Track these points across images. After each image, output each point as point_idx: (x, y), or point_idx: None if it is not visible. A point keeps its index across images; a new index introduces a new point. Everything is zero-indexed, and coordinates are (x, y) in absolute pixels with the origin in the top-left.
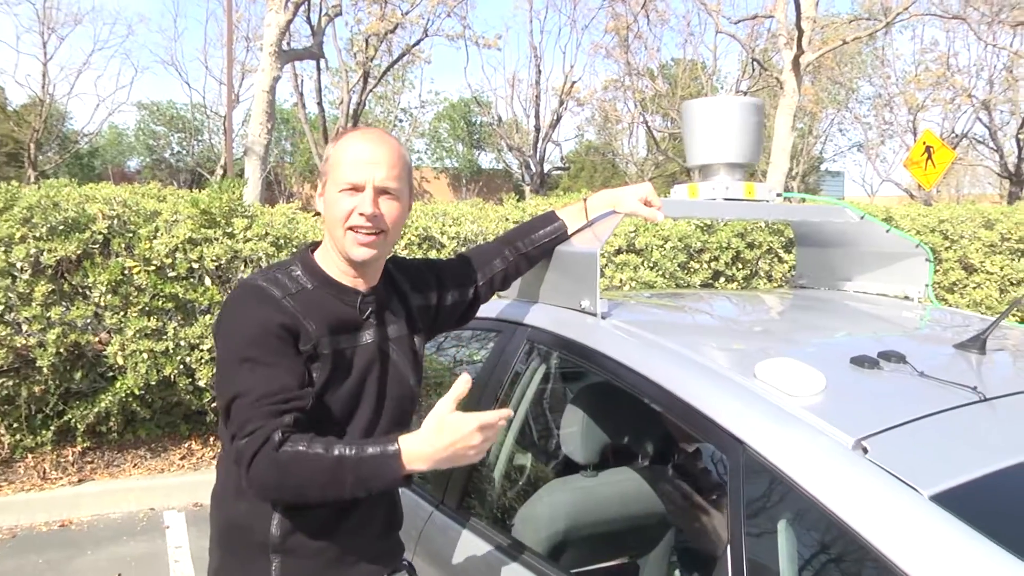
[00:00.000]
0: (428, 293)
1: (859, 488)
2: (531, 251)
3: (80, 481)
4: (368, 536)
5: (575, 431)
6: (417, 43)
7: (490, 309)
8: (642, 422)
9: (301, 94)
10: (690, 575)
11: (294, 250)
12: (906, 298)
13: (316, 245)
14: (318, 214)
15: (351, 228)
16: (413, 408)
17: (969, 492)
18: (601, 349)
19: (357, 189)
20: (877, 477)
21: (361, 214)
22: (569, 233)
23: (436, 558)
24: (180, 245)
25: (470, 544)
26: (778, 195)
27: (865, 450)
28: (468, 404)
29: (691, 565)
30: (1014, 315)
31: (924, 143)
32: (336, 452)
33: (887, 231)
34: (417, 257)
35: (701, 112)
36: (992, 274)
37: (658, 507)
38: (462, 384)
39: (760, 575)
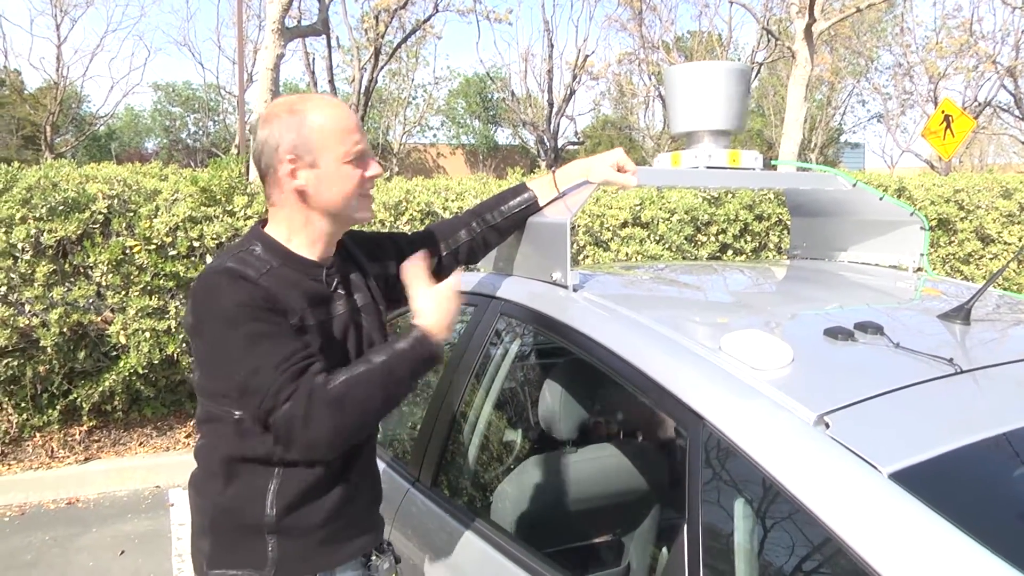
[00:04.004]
0: (386, 262)
1: (817, 465)
2: (500, 222)
3: (87, 459)
4: (356, 511)
5: (554, 407)
6: (428, 19)
7: (464, 282)
8: (620, 397)
9: (313, 72)
10: (663, 553)
11: None
12: (901, 268)
13: (265, 222)
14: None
15: (364, 194)
16: None
17: (930, 469)
18: (571, 323)
19: (364, 155)
20: (836, 454)
21: (373, 176)
22: (541, 204)
23: (413, 536)
24: (180, 224)
25: (446, 522)
26: (770, 162)
27: (827, 426)
28: (443, 378)
29: (665, 544)
30: None
31: (943, 112)
32: (378, 360)
33: (880, 199)
34: (375, 231)
35: (684, 78)
36: (1009, 244)
37: (641, 484)
38: (418, 258)
39: (715, 557)
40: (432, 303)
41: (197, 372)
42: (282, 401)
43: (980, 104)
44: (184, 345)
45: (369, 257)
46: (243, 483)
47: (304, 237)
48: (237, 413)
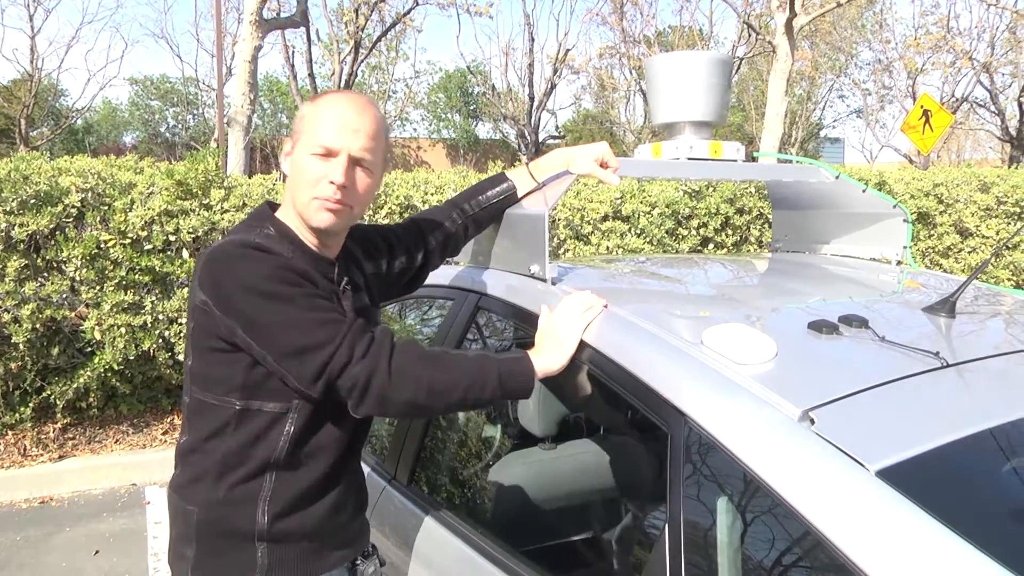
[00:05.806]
0: (380, 260)
1: (802, 462)
2: (478, 213)
3: (61, 457)
4: (344, 518)
5: (533, 403)
6: (408, 11)
7: (442, 276)
8: (600, 393)
9: (292, 66)
10: (645, 553)
11: None
12: (883, 260)
13: (275, 205)
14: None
15: (317, 197)
16: None
17: (919, 466)
18: None
19: (331, 155)
20: (822, 451)
21: (331, 182)
22: (519, 195)
23: (390, 535)
24: (156, 217)
25: (423, 521)
26: (752, 155)
27: (812, 421)
28: None
29: (647, 543)
30: (1010, 280)
31: (922, 107)
32: (473, 352)
33: (863, 191)
34: (365, 224)
35: (665, 68)
36: (988, 238)
37: (622, 482)
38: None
39: (698, 557)
40: (550, 336)
41: (193, 357)
42: (360, 355)
43: (957, 99)
44: (160, 341)
45: (365, 255)
46: (236, 487)
47: (300, 228)
48: (239, 404)
